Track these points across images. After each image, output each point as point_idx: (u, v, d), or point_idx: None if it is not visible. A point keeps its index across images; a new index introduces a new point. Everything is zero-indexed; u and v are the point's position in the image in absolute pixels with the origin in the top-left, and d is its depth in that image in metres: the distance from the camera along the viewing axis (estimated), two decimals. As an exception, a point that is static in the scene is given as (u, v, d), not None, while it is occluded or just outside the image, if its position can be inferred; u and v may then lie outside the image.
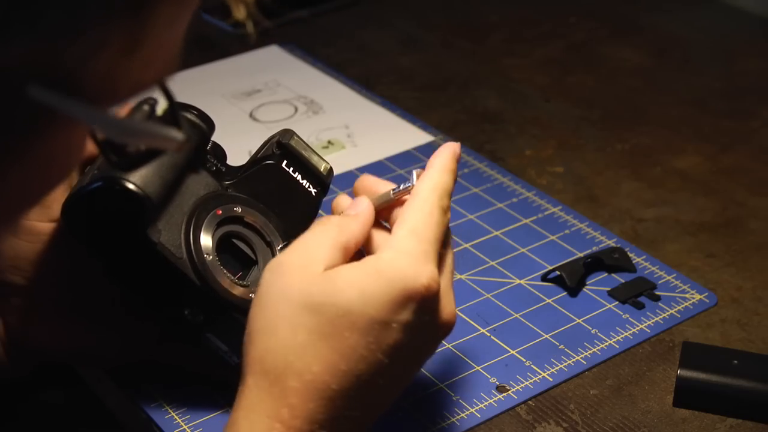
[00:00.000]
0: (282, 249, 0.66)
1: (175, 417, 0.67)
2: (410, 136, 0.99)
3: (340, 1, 1.27)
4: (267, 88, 1.08)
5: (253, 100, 1.05)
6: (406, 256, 0.55)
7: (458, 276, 0.79)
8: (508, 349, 0.73)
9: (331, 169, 0.71)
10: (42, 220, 0.65)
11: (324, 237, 0.57)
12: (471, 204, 0.88)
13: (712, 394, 0.68)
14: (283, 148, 0.69)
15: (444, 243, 0.59)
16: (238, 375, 0.59)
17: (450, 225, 0.85)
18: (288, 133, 0.70)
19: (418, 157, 0.95)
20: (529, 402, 0.69)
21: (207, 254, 0.63)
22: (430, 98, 1.07)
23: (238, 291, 0.64)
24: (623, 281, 0.79)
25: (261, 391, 0.54)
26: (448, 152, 0.61)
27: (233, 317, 0.63)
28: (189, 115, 0.66)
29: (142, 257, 0.62)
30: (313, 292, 0.54)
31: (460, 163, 0.93)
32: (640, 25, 1.23)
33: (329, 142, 0.98)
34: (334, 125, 1.01)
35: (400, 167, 0.94)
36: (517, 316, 0.76)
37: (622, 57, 1.15)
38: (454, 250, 0.83)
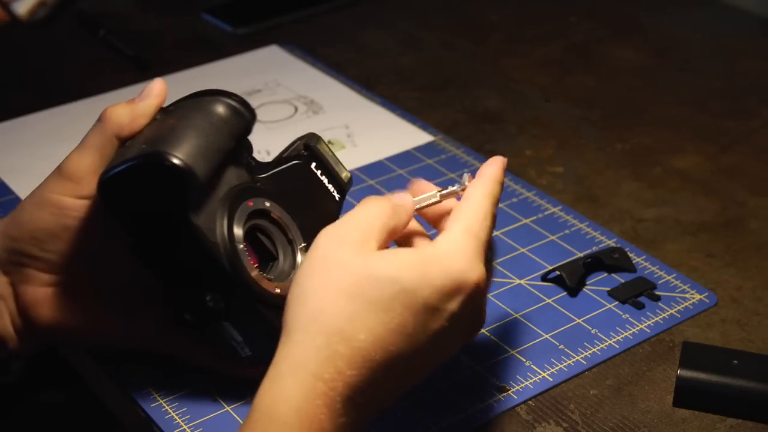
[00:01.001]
0: (304, 249, 0.67)
1: (175, 417, 0.67)
2: (410, 136, 0.99)
3: (339, 1, 1.27)
4: (267, 88, 1.08)
5: (253, 100, 1.05)
6: (462, 251, 0.59)
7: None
8: (508, 349, 0.73)
9: (351, 178, 0.73)
10: (68, 194, 0.65)
11: (379, 217, 0.60)
12: (471, 204, 0.88)
13: (712, 394, 0.68)
14: (310, 150, 0.70)
15: (489, 247, 0.62)
16: (248, 368, 0.64)
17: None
18: (315, 137, 0.71)
19: (418, 157, 0.95)
20: (529, 402, 0.69)
21: (238, 243, 0.63)
22: (430, 98, 1.07)
23: (264, 283, 0.64)
24: (623, 281, 0.79)
25: (309, 349, 0.56)
26: (499, 163, 0.65)
27: (253, 309, 0.64)
28: (232, 102, 0.66)
29: (176, 237, 0.62)
30: (376, 266, 0.57)
31: (459, 163, 0.94)
32: (640, 25, 1.23)
33: (329, 142, 0.98)
34: (334, 125, 1.01)
35: (400, 167, 0.94)
36: (517, 316, 0.76)
37: (622, 57, 1.15)
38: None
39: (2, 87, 1.10)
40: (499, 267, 0.80)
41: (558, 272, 0.78)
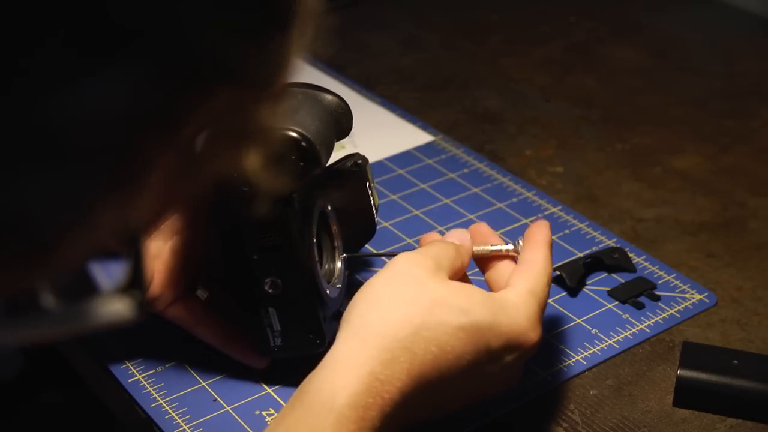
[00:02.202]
0: (344, 260, 0.69)
1: (175, 417, 0.67)
2: (410, 136, 0.99)
3: (339, 2, 1.27)
4: (267, 88, 1.08)
5: (253, 100, 1.05)
6: (530, 310, 0.62)
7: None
8: (508, 349, 0.73)
9: (378, 207, 0.74)
10: None
11: (447, 254, 0.63)
12: (471, 204, 0.88)
13: (712, 394, 0.67)
14: (361, 168, 0.71)
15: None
16: (256, 357, 0.68)
17: (450, 225, 0.85)
18: (364, 158, 0.72)
19: (418, 157, 0.95)
20: (530, 402, 0.69)
21: (313, 236, 0.65)
22: (430, 98, 1.07)
23: (324, 280, 0.66)
24: (623, 281, 0.79)
25: (372, 349, 0.57)
26: (548, 227, 0.68)
27: (310, 304, 0.65)
28: (342, 102, 0.67)
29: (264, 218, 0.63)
30: (452, 293, 0.60)
31: (459, 163, 0.94)
32: (640, 25, 1.23)
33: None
34: (334, 125, 1.01)
35: (400, 167, 0.94)
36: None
37: (622, 57, 1.15)
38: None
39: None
40: (499, 267, 0.80)
41: (558, 272, 0.78)
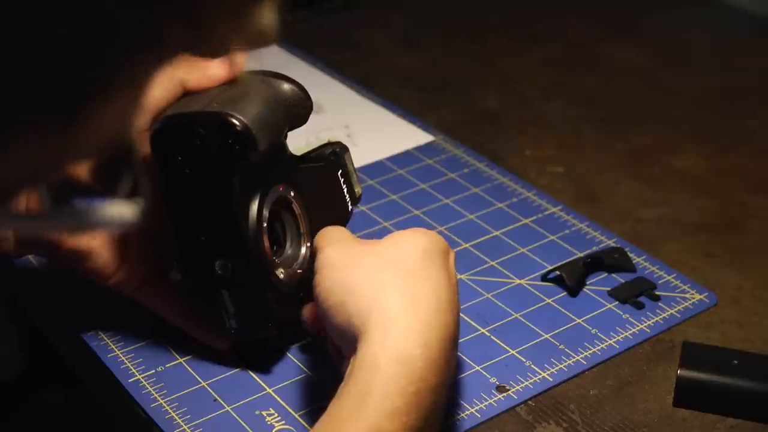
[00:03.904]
0: (310, 247, 0.69)
1: (175, 417, 0.67)
2: (410, 136, 0.99)
3: (339, 2, 1.27)
4: (267, 88, 1.08)
5: (253, 100, 1.05)
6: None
7: (458, 276, 0.79)
8: (508, 349, 0.73)
9: (360, 196, 0.74)
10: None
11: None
12: (471, 204, 0.88)
13: (712, 394, 0.68)
14: (338, 157, 0.72)
15: None
16: (221, 340, 0.69)
17: (450, 225, 0.85)
18: (344, 146, 0.73)
19: (418, 157, 0.95)
20: (529, 402, 0.69)
21: (264, 220, 0.65)
22: (430, 98, 1.07)
23: (274, 265, 0.66)
24: (623, 281, 0.79)
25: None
26: None
27: (259, 286, 0.65)
28: (298, 88, 0.69)
29: (212, 196, 0.64)
30: (388, 241, 0.64)
31: (459, 163, 0.94)
32: (640, 25, 1.23)
33: (329, 142, 0.97)
34: (334, 125, 1.01)
35: (400, 167, 0.94)
36: (517, 316, 0.76)
37: (622, 57, 1.15)
38: (455, 250, 0.83)
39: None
40: (499, 267, 0.80)
41: (558, 272, 0.78)
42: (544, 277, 0.79)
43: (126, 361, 0.72)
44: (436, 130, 0.99)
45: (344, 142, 0.97)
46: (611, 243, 0.83)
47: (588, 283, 0.79)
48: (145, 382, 0.70)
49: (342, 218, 0.72)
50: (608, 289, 0.78)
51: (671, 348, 0.73)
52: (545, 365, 0.71)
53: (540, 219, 0.86)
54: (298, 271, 0.69)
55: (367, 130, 1.00)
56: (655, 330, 0.74)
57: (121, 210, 0.39)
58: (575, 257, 0.81)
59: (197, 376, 0.70)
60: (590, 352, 0.72)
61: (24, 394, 1.18)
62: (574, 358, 0.72)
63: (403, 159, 0.95)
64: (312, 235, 0.69)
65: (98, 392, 0.76)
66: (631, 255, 0.81)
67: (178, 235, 0.66)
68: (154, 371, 0.71)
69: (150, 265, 0.71)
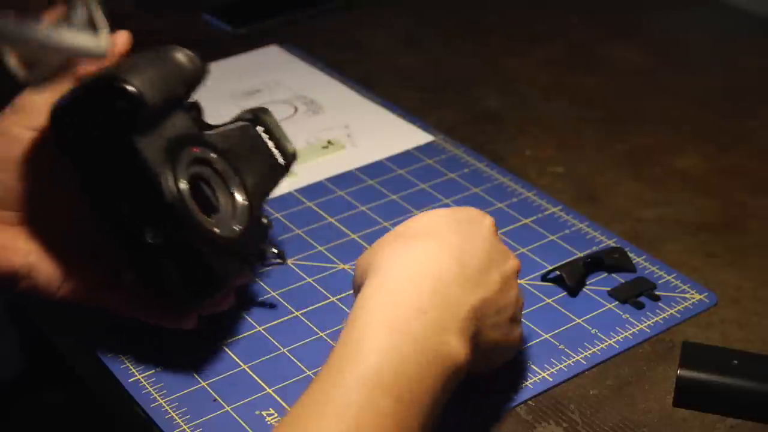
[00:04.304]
0: (247, 207, 0.70)
1: (175, 417, 0.67)
2: (410, 136, 0.99)
3: (339, 1, 1.27)
4: (267, 88, 1.08)
5: (253, 100, 1.05)
6: None
7: (458, 276, 0.79)
8: (508, 349, 0.73)
9: (295, 153, 0.76)
10: (19, 125, 0.65)
11: None
12: (471, 204, 0.88)
13: (712, 394, 0.68)
14: (258, 117, 0.74)
15: None
16: (186, 318, 0.70)
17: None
18: (264, 109, 0.75)
19: (418, 157, 0.95)
20: (529, 402, 0.69)
21: (180, 178, 0.66)
22: (430, 98, 1.07)
23: (203, 219, 0.66)
24: (623, 281, 0.79)
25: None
26: None
27: (195, 246, 0.66)
28: (186, 51, 0.70)
29: (121, 167, 0.64)
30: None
31: (459, 163, 0.94)
32: (640, 25, 1.23)
33: (329, 142, 0.98)
34: (334, 125, 1.01)
35: (400, 167, 0.94)
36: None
37: (622, 57, 1.15)
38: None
39: (1, 87, 1.10)
40: (499, 267, 0.80)
41: (558, 272, 0.78)
42: (544, 277, 0.79)
43: (126, 361, 0.72)
44: (436, 130, 0.99)
45: (344, 143, 0.98)
46: (611, 243, 0.83)
47: (588, 283, 0.79)
48: (145, 382, 0.70)
49: (274, 174, 0.74)
50: (608, 289, 0.78)
51: (671, 348, 0.73)
52: (545, 365, 0.71)
53: (540, 219, 0.86)
54: (236, 227, 0.69)
55: (367, 130, 1.00)
56: (655, 330, 0.74)
57: (86, 40, 0.39)
58: (575, 257, 0.81)
59: (197, 376, 0.70)
60: (590, 352, 0.72)
61: (24, 394, 1.18)
62: (574, 358, 0.72)
63: (403, 159, 0.95)
64: (248, 196, 0.70)
65: (98, 392, 0.76)
66: (631, 255, 0.81)
67: (104, 217, 0.67)
68: (154, 371, 0.71)
69: (96, 272, 0.70)
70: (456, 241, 0.63)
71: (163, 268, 0.67)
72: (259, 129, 0.74)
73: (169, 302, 0.69)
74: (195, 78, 0.70)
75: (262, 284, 0.79)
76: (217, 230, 0.67)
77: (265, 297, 0.78)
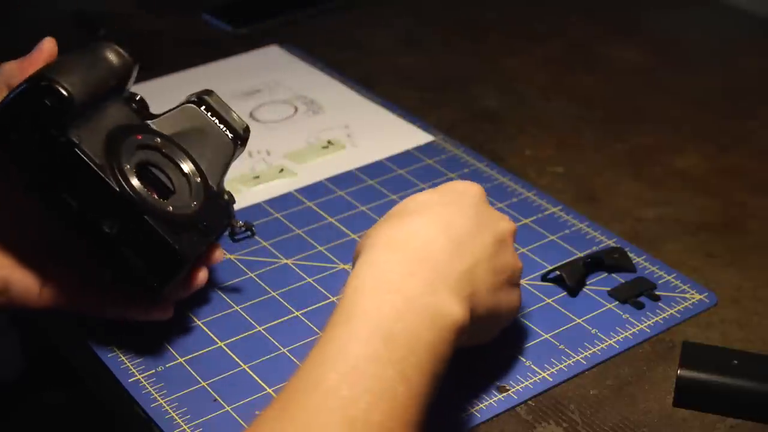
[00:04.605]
0: (202, 186, 0.72)
1: (175, 417, 0.67)
2: (410, 136, 0.99)
3: (339, 1, 1.27)
4: (267, 88, 1.08)
5: (253, 100, 1.05)
6: None
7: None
8: (508, 349, 0.73)
9: (247, 127, 0.77)
10: None
11: None
12: (471, 204, 0.88)
13: (712, 394, 0.68)
14: (201, 99, 0.75)
15: None
16: (160, 309, 0.71)
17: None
18: (208, 91, 0.76)
19: (418, 157, 0.95)
20: (529, 402, 0.69)
21: (125, 166, 0.67)
22: (430, 98, 1.07)
23: (152, 199, 0.68)
24: (623, 281, 0.79)
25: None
26: None
27: (149, 226, 0.67)
28: (112, 45, 0.71)
29: (64, 165, 0.66)
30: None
31: (459, 163, 0.94)
32: (640, 25, 1.23)
33: (329, 142, 0.98)
34: (334, 125, 1.01)
35: (400, 167, 0.94)
36: (517, 316, 0.76)
37: (622, 57, 1.15)
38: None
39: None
40: (499, 267, 0.80)
41: (558, 272, 0.78)
42: (544, 277, 0.79)
43: (126, 361, 0.72)
44: (436, 130, 0.99)
45: (344, 142, 0.98)
46: (611, 243, 0.83)
47: (588, 283, 0.79)
48: (145, 382, 0.70)
49: (225, 149, 0.75)
50: (608, 289, 0.78)
51: (671, 348, 0.73)
52: (545, 365, 0.71)
53: (540, 219, 0.86)
54: (193, 203, 0.71)
55: (367, 130, 1.00)
56: (655, 330, 0.74)
57: None
58: (575, 257, 0.81)
59: (197, 376, 0.70)
60: (590, 352, 0.72)
61: (24, 394, 1.18)
62: (574, 358, 0.72)
63: (403, 159, 0.95)
64: (199, 170, 0.72)
65: (98, 392, 0.76)
66: (631, 255, 0.81)
67: (59, 216, 0.68)
68: (154, 371, 0.71)
69: (71, 276, 0.72)
70: (443, 213, 0.64)
71: (125, 256, 0.68)
72: (203, 108, 0.75)
73: (140, 290, 0.70)
74: (124, 71, 0.71)
75: (263, 284, 0.79)
76: (170, 209, 0.69)
77: (265, 297, 0.78)
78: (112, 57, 0.71)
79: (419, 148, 0.97)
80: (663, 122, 1.03)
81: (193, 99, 0.76)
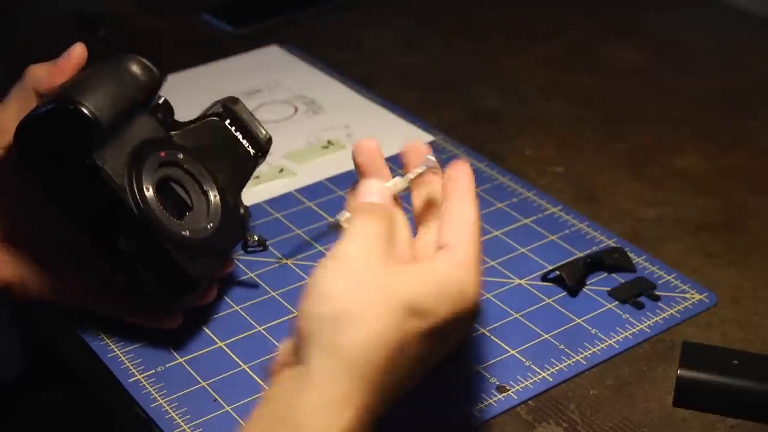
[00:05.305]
0: (221, 203, 0.72)
1: (175, 417, 0.67)
2: (410, 136, 0.99)
3: (339, 1, 1.27)
4: (267, 88, 1.08)
5: (253, 100, 1.05)
6: (478, 280, 0.59)
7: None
8: (508, 349, 0.73)
9: (270, 138, 0.76)
10: None
11: (398, 228, 0.61)
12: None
13: (712, 394, 0.68)
14: (227, 109, 0.75)
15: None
16: (172, 319, 0.72)
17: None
18: (233, 98, 0.76)
19: (418, 157, 0.95)
20: (529, 402, 0.69)
21: (147, 188, 0.67)
22: (430, 98, 1.07)
23: (171, 224, 0.68)
24: (623, 281, 0.79)
25: (355, 381, 0.53)
26: (470, 171, 0.65)
27: (165, 251, 0.67)
28: (140, 58, 0.70)
29: (85, 183, 0.66)
30: (419, 296, 0.56)
31: (460, 163, 0.94)
32: (640, 25, 1.23)
33: (329, 142, 0.98)
34: (334, 125, 1.01)
35: (400, 167, 0.94)
36: (517, 316, 0.76)
37: (622, 57, 1.15)
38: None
39: (1, 87, 1.10)
40: (498, 267, 0.80)
41: (558, 272, 0.78)
42: (544, 277, 0.79)
43: (126, 361, 0.72)
44: (436, 130, 0.99)
45: (344, 143, 0.98)
46: (611, 243, 0.83)
47: (588, 283, 0.79)
48: (145, 382, 0.70)
49: (246, 166, 0.75)
50: (608, 289, 0.78)
51: (671, 348, 0.73)
52: (545, 365, 0.71)
53: (540, 219, 0.86)
54: (209, 225, 0.71)
55: (367, 130, 1.00)
56: (655, 330, 0.74)
57: None
58: (575, 257, 0.81)
59: (197, 376, 0.70)
60: (590, 352, 0.72)
61: (24, 394, 1.18)
62: (574, 358, 0.72)
63: (403, 159, 0.95)
64: (218, 187, 0.72)
65: (98, 392, 0.76)
66: (631, 255, 0.81)
67: (78, 228, 0.68)
68: (154, 371, 0.71)
69: (85, 276, 0.73)
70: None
71: (140, 273, 0.69)
72: (228, 122, 0.75)
73: (152, 302, 0.71)
74: (151, 85, 0.71)
75: (263, 284, 0.79)
76: (186, 233, 0.68)
77: (265, 297, 0.78)
78: (138, 71, 0.70)
79: (419, 148, 0.96)
80: (663, 122, 1.03)
81: (218, 110, 0.75)
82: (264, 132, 0.76)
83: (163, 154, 0.70)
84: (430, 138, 0.98)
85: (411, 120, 1.01)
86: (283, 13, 1.24)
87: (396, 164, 0.94)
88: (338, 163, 0.94)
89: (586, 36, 1.20)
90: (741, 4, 1.24)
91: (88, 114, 0.65)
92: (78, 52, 0.70)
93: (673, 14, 1.25)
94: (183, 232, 0.69)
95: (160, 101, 0.72)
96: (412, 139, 0.69)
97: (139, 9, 1.27)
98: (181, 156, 0.71)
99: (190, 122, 0.74)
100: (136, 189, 0.67)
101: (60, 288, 0.72)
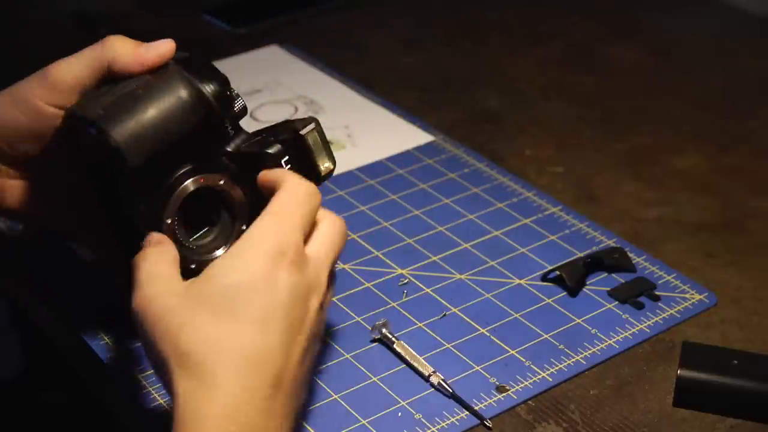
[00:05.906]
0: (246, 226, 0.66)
1: (175, 417, 0.67)
2: (410, 136, 0.99)
3: (339, 1, 1.27)
4: (267, 88, 1.08)
5: (253, 100, 1.05)
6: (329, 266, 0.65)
7: (458, 276, 0.79)
8: (508, 349, 0.73)
9: (331, 172, 0.71)
10: (48, 101, 0.64)
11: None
12: (471, 204, 0.88)
13: (712, 394, 0.68)
14: (298, 138, 0.69)
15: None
16: None
17: (450, 225, 0.85)
18: (309, 122, 0.70)
19: (418, 157, 0.95)
20: (529, 402, 0.69)
21: (164, 218, 0.64)
22: (430, 98, 1.07)
23: (187, 251, 0.65)
24: (623, 281, 0.79)
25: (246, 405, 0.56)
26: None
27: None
28: (199, 86, 0.66)
29: (105, 195, 0.64)
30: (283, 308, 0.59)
31: (459, 163, 0.94)
32: (640, 25, 1.23)
33: (329, 142, 0.97)
34: (334, 125, 1.01)
35: (400, 167, 0.94)
36: (517, 316, 0.76)
37: (622, 57, 1.15)
38: (455, 249, 0.83)
39: (1, 87, 1.10)
40: (498, 267, 0.80)
41: (558, 272, 0.78)
42: (544, 277, 0.79)
43: (126, 361, 0.72)
44: (436, 130, 0.99)
45: (344, 143, 0.98)
46: (611, 243, 0.83)
47: (588, 283, 0.79)
48: (145, 382, 0.70)
49: None
50: (608, 289, 0.78)
51: (671, 348, 0.73)
52: (545, 365, 0.71)
53: (540, 219, 0.86)
54: (223, 249, 0.66)
55: (367, 130, 1.00)
56: (655, 330, 0.74)
57: None
58: (575, 257, 0.81)
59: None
60: (590, 352, 0.72)
61: (24, 394, 1.18)
62: (574, 358, 0.72)
63: (403, 159, 0.95)
64: (248, 223, 0.65)
65: (98, 392, 0.76)
66: (631, 255, 0.81)
67: (100, 206, 0.67)
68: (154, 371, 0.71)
69: (69, 215, 0.70)
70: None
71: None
72: (285, 160, 0.68)
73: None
74: (208, 115, 0.65)
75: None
76: (193, 267, 0.65)
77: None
78: (193, 102, 0.65)
79: (419, 148, 0.97)
80: (663, 122, 1.03)
81: (289, 135, 0.68)
82: (327, 165, 0.71)
83: (202, 179, 0.65)
84: (430, 138, 0.98)
85: (411, 120, 1.01)
86: (283, 13, 1.24)
87: (396, 164, 0.94)
88: (338, 163, 0.94)
89: (587, 36, 1.20)
90: (741, 4, 1.24)
91: (119, 155, 0.61)
92: (166, 47, 0.65)
93: (674, 14, 1.25)
94: (191, 267, 0.64)
95: (237, 106, 0.68)
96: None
97: (139, 9, 1.27)
98: (221, 182, 0.66)
99: (253, 135, 0.68)
100: (152, 217, 0.63)
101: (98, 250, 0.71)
